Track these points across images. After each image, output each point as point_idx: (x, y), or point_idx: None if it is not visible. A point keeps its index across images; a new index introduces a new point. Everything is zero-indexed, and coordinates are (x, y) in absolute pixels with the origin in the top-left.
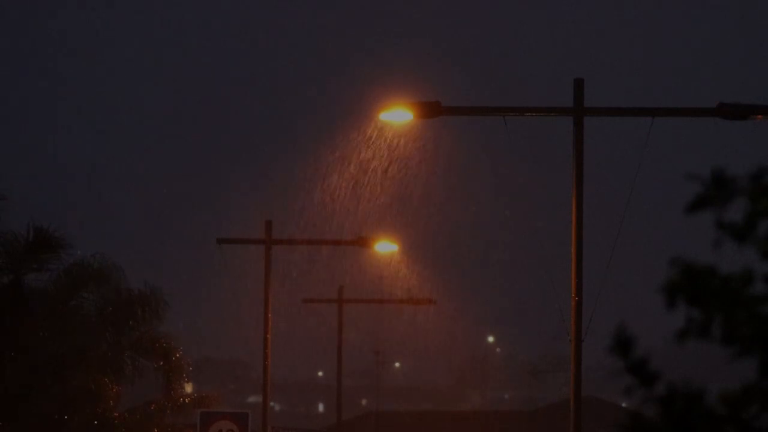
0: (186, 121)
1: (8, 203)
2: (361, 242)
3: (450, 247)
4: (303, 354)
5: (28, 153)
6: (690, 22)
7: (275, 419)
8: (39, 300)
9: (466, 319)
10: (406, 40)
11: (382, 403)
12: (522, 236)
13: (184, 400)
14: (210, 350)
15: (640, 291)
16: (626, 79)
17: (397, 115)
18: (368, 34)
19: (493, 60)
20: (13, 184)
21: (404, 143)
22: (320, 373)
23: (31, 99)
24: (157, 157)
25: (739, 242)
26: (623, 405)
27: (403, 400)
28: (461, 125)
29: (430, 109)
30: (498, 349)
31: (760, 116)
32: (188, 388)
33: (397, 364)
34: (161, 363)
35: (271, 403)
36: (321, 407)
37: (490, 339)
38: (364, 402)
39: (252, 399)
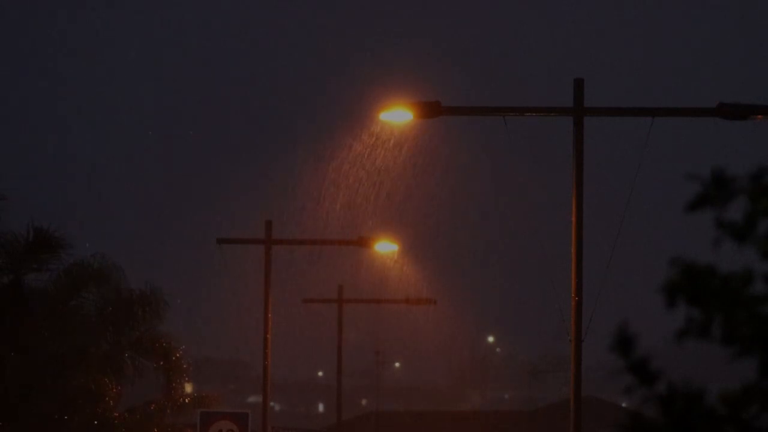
0: (186, 121)
1: (8, 203)
2: (361, 242)
3: (450, 247)
4: (303, 354)
5: (28, 153)
6: (690, 22)
7: (275, 419)
8: (39, 300)
9: (466, 319)
10: (406, 40)
11: (382, 403)
12: (522, 236)
13: (184, 400)
14: (210, 350)
15: (640, 291)
16: (626, 79)
17: (397, 115)
18: (368, 34)
19: (493, 60)
20: (13, 184)
21: (404, 143)
22: (320, 373)
23: (31, 99)
24: (157, 157)
25: (739, 242)
26: (623, 405)
27: (403, 400)
28: (461, 125)
29: (430, 109)
30: (498, 349)
31: (760, 116)
32: (188, 388)
33: (397, 364)
34: (161, 363)
35: (271, 403)
36: (321, 407)
37: (490, 339)
38: (364, 402)
39: (252, 399)
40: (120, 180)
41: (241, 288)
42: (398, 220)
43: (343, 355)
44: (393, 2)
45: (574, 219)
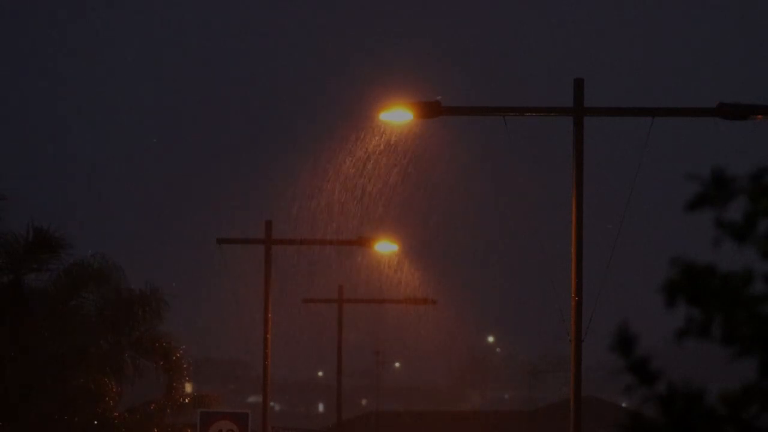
0: (186, 121)
1: (8, 203)
2: (361, 242)
3: (450, 247)
4: (303, 354)
5: (28, 153)
6: (690, 22)
7: (275, 419)
8: (39, 300)
9: (466, 319)
10: (406, 40)
11: (382, 403)
12: (522, 236)
13: (184, 400)
14: (210, 350)
15: (640, 291)
16: (626, 79)
17: (397, 115)
18: (368, 34)
19: (493, 60)
20: (13, 184)
21: (404, 143)
22: (320, 373)
23: (31, 99)
24: (157, 157)
25: (739, 242)
26: (623, 405)
27: (403, 400)
28: (461, 125)
29: (430, 109)
30: (498, 349)
31: (760, 116)
32: (188, 388)
33: (397, 364)
34: (161, 363)
35: (271, 403)
36: (321, 407)
37: (490, 339)
38: (364, 402)
39: (252, 399)
40: (120, 180)
41: (241, 288)
42: (398, 220)
43: (343, 355)
44: (393, 2)
45: (574, 219)
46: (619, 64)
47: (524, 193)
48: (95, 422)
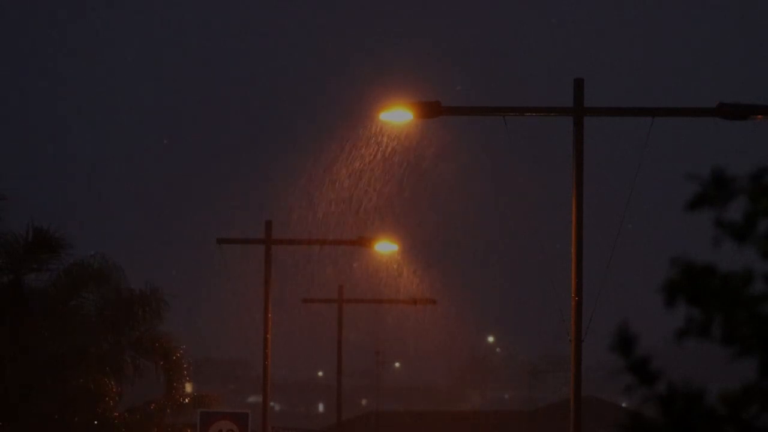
0: (186, 121)
1: (8, 203)
2: (361, 242)
3: (450, 247)
4: (303, 354)
5: (28, 153)
6: (690, 22)
7: (275, 419)
8: (39, 300)
9: (466, 319)
10: (406, 40)
11: (382, 403)
12: (522, 236)
13: (184, 400)
14: (210, 350)
15: (640, 291)
16: (626, 79)
17: (397, 115)
18: (368, 34)
19: (493, 60)
20: (13, 184)
21: (404, 143)
22: (320, 373)
23: (31, 99)
24: (157, 157)
25: (739, 242)
26: (623, 405)
27: (403, 400)
28: (461, 125)
29: (430, 109)
30: (498, 349)
31: (760, 116)
32: (188, 388)
33: (397, 364)
34: (161, 363)
35: (271, 403)
36: (321, 407)
37: (490, 339)
38: (364, 402)
39: (252, 399)
40: (120, 180)
41: (241, 288)
42: (398, 220)
43: (343, 355)
44: (393, 2)
45: (574, 219)
46: (619, 64)
47: (524, 193)
48: (95, 422)
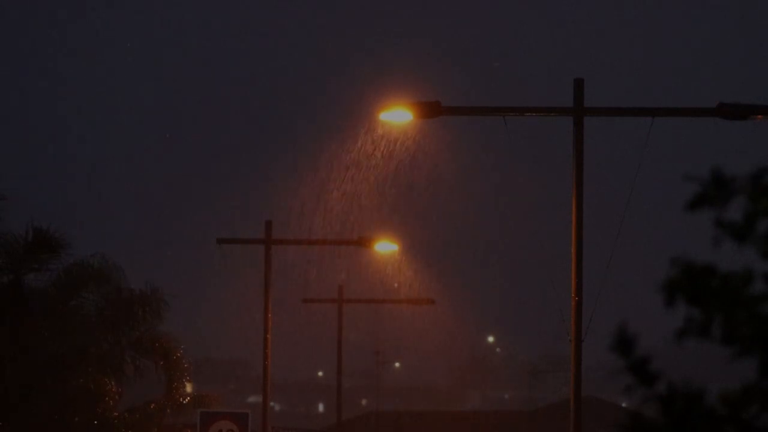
0: (186, 121)
1: (8, 203)
2: (361, 242)
3: (450, 247)
4: (303, 354)
5: (28, 153)
6: (690, 22)
7: (275, 419)
8: (39, 300)
9: (466, 319)
10: (406, 40)
11: (382, 403)
12: (522, 236)
13: (184, 400)
14: (210, 350)
15: (640, 291)
16: (626, 79)
17: (397, 115)
18: (368, 34)
19: (493, 60)
20: (13, 184)
21: (404, 143)
22: (320, 373)
23: (31, 99)
24: (157, 157)
25: (739, 242)
26: (623, 405)
27: (403, 400)
28: (461, 125)
29: (430, 109)
30: (498, 349)
31: (760, 116)
32: (188, 387)
33: (397, 364)
34: (161, 363)
35: (271, 403)
36: (321, 407)
37: (490, 339)
38: (364, 402)
39: (252, 399)
40: (120, 180)
41: (241, 288)
42: (398, 220)
43: (343, 355)
44: (393, 2)
45: (574, 219)
46: (619, 64)
47: (524, 193)
48: (95, 422)
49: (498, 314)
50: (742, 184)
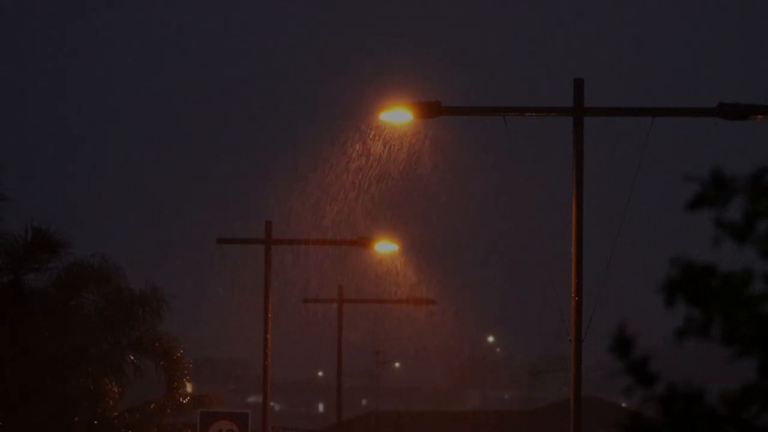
0: (186, 121)
1: (8, 203)
2: (361, 242)
3: (450, 247)
4: (303, 354)
5: (28, 153)
6: (690, 22)
7: (275, 419)
8: (39, 300)
9: (466, 319)
10: (406, 40)
11: (382, 403)
12: (522, 236)
13: (184, 400)
14: (210, 350)
15: (640, 291)
16: (626, 79)
17: (397, 115)
18: (368, 34)
19: (493, 60)
20: (13, 184)
21: (404, 143)
22: (320, 373)
23: (31, 99)
24: (157, 157)
25: (739, 242)
26: (623, 405)
27: (403, 400)
28: (461, 125)
29: (430, 109)
30: (498, 349)
31: (760, 116)
32: (188, 387)
33: (397, 364)
34: (162, 362)
35: (271, 403)
36: (321, 407)
37: (490, 339)
38: (364, 402)
39: (252, 399)
40: (120, 180)
41: (241, 288)
42: (398, 220)
43: (343, 355)
44: (393, 2)
45: (574, 219)
46: (619, 64)
47: (524, 193)
48: (95, 422)
49: (498, 314)
50: (742, 184)
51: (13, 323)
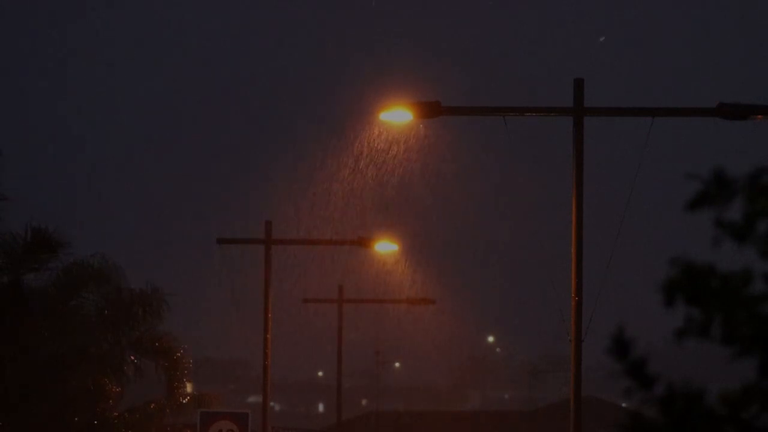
0: (186, 121)
1: (8, 203)
2: (361, 242)
3: (450, 247)
4: (303, 354)
5: (28, 153)
6: (690, 22)
7: (275, 419)
8: (39, 300)
9: (466, 319)
10: (406, 40)
11: (382, 403)
12: (522, 236)
13: (184, 400)
14: (210, 350)
15: (640, 291)
16: (626, 79)
17: (397, 115)
18: (368, 34)
19: (493, 60)
20: (13, 184)
21: (404, 143)
22: (320, 373)
23: (31, 99)
24: (157, 157)
25: (739, 242)
26: (623, 405)
27: (403, 400)
28: (461, 125)
29: (430, 109)
30: (498, 349)
31: (760, 116)
32: (188, 388)
33: (397, 364)
34: (162, 362)
35: (271, 403)
36: (321, 407)
37: (490, 339)
38: (364, 402)
39: (252, 399)
40: (120, 180)
41: (241, 288)
42: (398, 220)
43: (343, 355)
44: (393, 2)
45: (574, 219)
46: (619, 64)
47: (524, 193)
48: (95, 422)
49: (498, 314)
50: (742, 184)
51: (13, 323)
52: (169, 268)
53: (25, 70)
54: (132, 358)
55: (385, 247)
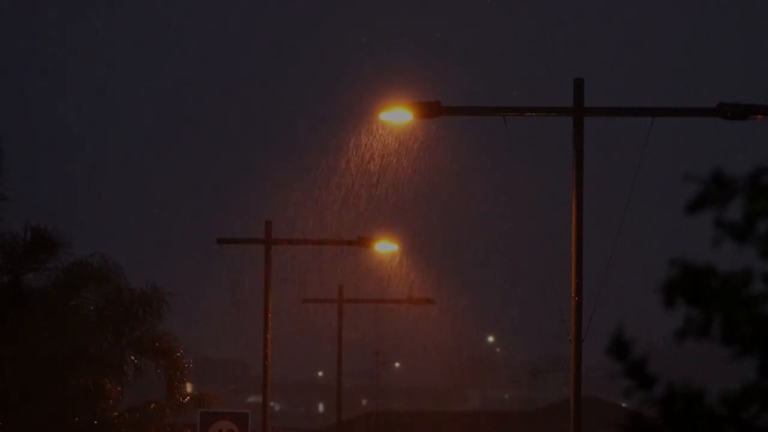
0: (186, 121)
1: (8, 203)
2: (361, 242)
3: (450, 247)
4: (303, 354)
5: (28, 153)
6: (690, 22)
7: (275, 419)
8: (39, 300)
9: (466, 319)
10: (406, 40)
11: (382, 403)
12: (522, 236)
13: (184, 400)
14: (210, 350)
15: (640, 291)
16: (626, 79)
17: (397, 115)
18: (368, 34)
19: (493, 60)
20: (13, 184)
21: (404, 143)
22: (320, 373)
23: (31, 99)
24: (157, 157)
25: (739, 242)
26: (623, 405)
27: (403, 400)
28: (461, 125)
29: (430, 109)
30: (498, 349)
31: (760, 116)
32: (188, 388)
33: (397, 364)
34: (162, 362)
35: (271, 403)
36: (321, 407)
37: (490, 339)
38: (364, 402)
39: (252, 399)
40: (120, 180)
41: (241, 288)
42: (398, 220)
43: (343, 355)
44: (393, 2)
45: (574, 219)
46: (619, 64)
47: (524, 193)
48: (95, 422)
49: (498, 314)
50: (741, 184)
51: (13, 323)
52: (169, 268)
53: (25, 70)
54: (132, 358)
55: (385, 247)
